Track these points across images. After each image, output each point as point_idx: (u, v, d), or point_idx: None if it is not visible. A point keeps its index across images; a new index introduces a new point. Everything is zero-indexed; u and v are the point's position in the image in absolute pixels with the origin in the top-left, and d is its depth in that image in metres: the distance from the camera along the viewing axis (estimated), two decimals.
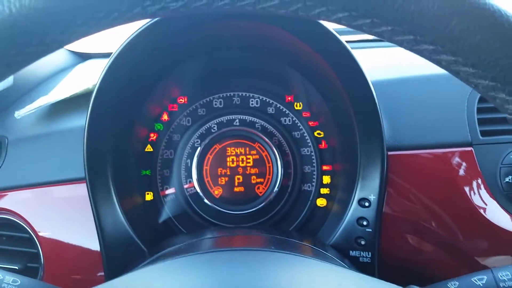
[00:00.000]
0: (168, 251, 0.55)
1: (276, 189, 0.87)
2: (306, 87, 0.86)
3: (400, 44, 0.36)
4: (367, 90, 0.71)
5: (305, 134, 0.90)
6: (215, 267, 0.37)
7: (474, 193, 0.75)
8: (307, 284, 0.35)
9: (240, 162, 0.88)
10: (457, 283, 0.52)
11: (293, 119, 0.90)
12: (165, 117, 0.89)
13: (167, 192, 0.88)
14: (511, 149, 0.76)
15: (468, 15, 0.32)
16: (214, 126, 0.89)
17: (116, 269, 0.70)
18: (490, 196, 0.75)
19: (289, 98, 0.90)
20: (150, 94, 0.82)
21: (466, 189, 0.75)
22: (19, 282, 0.51)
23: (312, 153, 0.90)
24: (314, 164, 0.89)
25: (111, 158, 0.73)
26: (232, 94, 0.90)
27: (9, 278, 0.51)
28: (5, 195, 0.80)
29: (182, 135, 0.89)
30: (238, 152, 0.88)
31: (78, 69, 1.15)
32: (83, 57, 1.24)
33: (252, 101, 0.90)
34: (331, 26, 0.69)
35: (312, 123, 0.90)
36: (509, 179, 0.75)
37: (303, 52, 0.74)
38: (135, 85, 0.75)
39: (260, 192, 0.88)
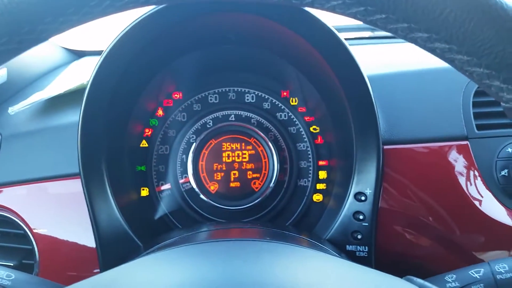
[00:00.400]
0: (163, 244, 0.55)
1: (272, 184, 0.87)
2: (301, 82, 0.86)
3: (394, 32, 0.36)
4: (363, 85, 0.71)
5: (301, 129, 0.90)
6: (210, 256, 0.37)
7: (470, 187, 0.75)
8: (304, 273, 0.35)
9: (236, 158, 0.88)
10: (454, 276, 0.52)
11: (289, 114, 0.90)
12: (160, 112, 0.88)
13: (163, 187, 0.88)
14: (507, 143, 0.76)
15: (462, 2, 0.31)
16: (210, 122, 0.89)
17: (111, 265, 0.69)
18: (486, 190, 0.75)
19: (285, 93, 0.90)
20: (145, 89, 0.82)
21: (462, 182, 0.75)
22: (13, 276, 0.51)
23: (308, 148, 0.89)
24: (310, 159, 0.89)
25: (105, 153, 0.73)
26: (227, 90, 0.90)
27: (3, 272, 0.51)
28: None
29: (178, 131, 0.89)
30: (234, 148, 0.88)
31: (73, 66, 1.15)
32: (78, 54, 1.24)
33: (247, 96, 0.90)
34: (328, 21, 0.68)
35: (308, 118, 0.89)
36: (505, 173, 0.75)
37: (299, 47, 0.74)
38: (129, 80, 0.75)
39: (256, 188, 0.88)
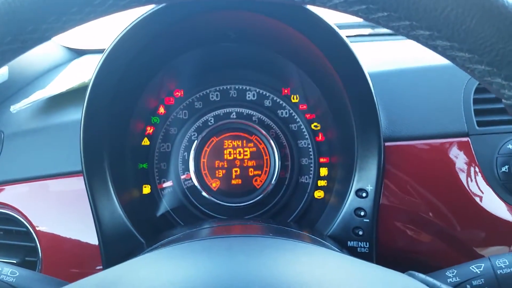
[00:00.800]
0: (166, 241, 0.55)
1: (273, 181, 0.87)
2: (302, 79, 0.86)
3: (396, 30, 0.36)
4: (364, 82, 0.71)
5: (302, 126, 0.90)
6: (213, 252, 0.37)
7: (471, 183, 0.75)
8: (307, 269, 0.35)
9: (238, 155, 0.88)
10: (455, 271, 0.53)
11: (290, 111, 0.90)
12: (161, 110, 0.89)
13: (165, 185, 0.88)
14: (508, 139, 0.76)
15: (464, 0, 0.32)
16: (211, 119, 0.89)
17: (114, 262, 0.69)
18: (487, 186, 0.75)
19: (286, 91, 0.90)
20: (146, 87, 0.82)
21: (463, 179, 0.75)
22: (18, 273, 0.52)
23: (309, 146, 0.90)
24: (311, 156, 0.89)
25: (108, 151, 0.73)
26: (228, 87, 0.90)
27: (7, 269, 0.51)
28: (2, 189, 0.80)
29: (179, 128, 0.89)
30: (235, 145, 0.88)
31: (73, 64, 1.15)
32: (79, 53, 1.24)
33: (248, 94, 0.90)
34: (329, 18, 0.68)
35: (309, 115, 0.90)
36: (506, 169, 0.75)
37: (300, 45, 0.74)
38: (130, 78, 0.75)
39: (258, 185, 0.88)
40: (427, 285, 0.38)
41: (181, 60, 0.83)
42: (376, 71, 0.83)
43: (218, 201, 0.86)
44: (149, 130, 0.88)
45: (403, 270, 0.45)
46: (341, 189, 0.77)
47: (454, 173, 0.75)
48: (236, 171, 0.88)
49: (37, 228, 0.78)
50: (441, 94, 0.80)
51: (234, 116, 0.89)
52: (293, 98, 0.90)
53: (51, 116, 0.87)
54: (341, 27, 0.69)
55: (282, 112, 0.90)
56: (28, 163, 0.81)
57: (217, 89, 0.90)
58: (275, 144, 0.88)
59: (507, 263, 0.51)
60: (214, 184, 0.88)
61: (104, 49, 0.69)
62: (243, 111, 0.89)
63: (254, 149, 0.88)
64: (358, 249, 0.71)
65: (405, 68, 0.85)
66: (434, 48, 0.36)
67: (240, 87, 0.90)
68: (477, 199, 0.74)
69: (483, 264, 0.52)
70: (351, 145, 0.74)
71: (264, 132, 0.88)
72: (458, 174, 0.75)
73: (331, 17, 0.66)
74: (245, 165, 0.88)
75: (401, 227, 0.76)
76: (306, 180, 0.89)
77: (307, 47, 0.73)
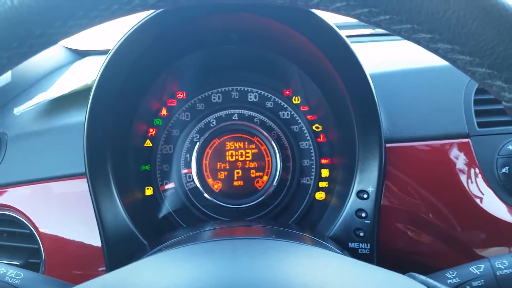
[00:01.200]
0: (169, 243, 0.55)
1: (275, 182, 0.88)
2: (304, 81, 0.87)
3: (398, 33, 0.37)
4: (365, 83, 0.71)
5: (304, 128, 0.90)
6: (217, 255, 0.37)
7: (471, 184, 0.75)
8: (309, 270, 0.35)
9: (239, 156, 0.88)
10: (455, 272, 0.53)
11: (292, 113, 0.91)
12: (164, 112, 0.89)
13: (167, 187, 0.88)
14: (508, 140, 0.77)
15: (464, 3, 0.32)
16: (213, 121, 0.89)
17: (117, 263, 0.70)
18: (487, 187, 0.76)
19: (287, 92, 0.91)
20: (149, 89, 0.83)
21: (464, 180, 0.75)
22: (22, 275, 0.52)
23: (310, 147, 0.90)
24: (312, 158, 0.90)
25: (111, 153, 0.73)
26: (230, 89, 0.91)
27: (12, 271, 0.52)
28: (5, 191, 0.80)
29: (181, 130, 0.89)
30: (237, 146, 0.89)
31: (76, 66, 1.15)
32: (81, 54, 1.24)
33: (250, 95, 0.91)
34: (330, 20, 0.69)
35: (310, 117, 0.90)
36: (506, 170, 0.76)
37: (302, 46, 0.75)
38: (133, 80, 0.76)
39: (260, 186, 0.88)
40: (428, 287, 0.38)
41: (183, 62, 0.84)
42: (377, 72, 0.84)
43: (220, 203, 0.87)
44: (152, 132, 0.88)
45: (403, 271, 0.45)
46: (342, 191, 0.78)
47: (455, 174, 0.75)
48: (238, 173, 0.88)
49: (40, 230, 0.78)
50: (442, 95, 0.80)
51: (236, 118, 0.90)
52: (295, 100, 0.91)
53: (54, 118, 0.88)
54: (342, 27, 0.70)
55: (283, 113, 0.91)
56: (32, 165, 0.81)
57: (219, 91, 0.90)
58: (276, 146, 0.88)
59: (507, 264, 0.51)
60: (216, 186, 0.88)
61: (106, 50, 0.70)
62: (245, 112, 0.90)
63: (256, 150, 0.89)
64: (359, 250, 0.71)
65: (406, 69, 0.85)
66: (435, 51, 0.36)
67: (242, 89, 0.91)
68: (478, 200, 0.75)
69: (483, 265, 0.52)
70: (352, 146, 0.75)
71: (265, 133, 0.88)
72: (458, 175, 0.75)
73: (332, 17, 0.67)
74: (246, 166, 0.88)
75: (402, 228, 0.76)
76: (308, 181, 0.90)
77: (308, 49, 0.74)
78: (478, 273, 0.52)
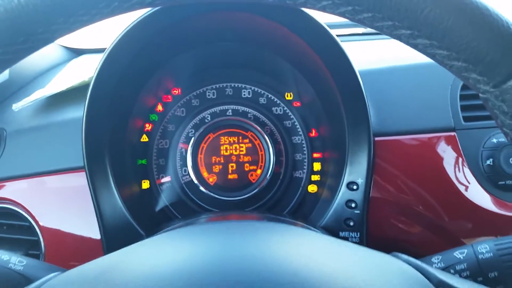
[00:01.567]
0: (164, 230, 0.58)
1: (268, 176, 0.90)
2: (296, 78, 0.89)
3: (380, 29, 0.39)
4: (355, 80, 0.74)
5: (296, 123, 0.93)
6: (209, 234, 0.40)
7: (457, 176, 0.78)
8: (296, 248, 0.38)
9: (234, 151, 0.91)
10: (440, 257, 0.56)
11: (284, 109, 0.93)
12: (159, 108, 0.91)
13: (163, 180, 0.91)
14: (492, 133, 0.80)
15: (441, 2, 0.35)
16: (208, 116, 0.92)
17: None
18: (473, 178, 0.79)
19: (280, 89, 0.93)
20: (145, 85, 0.85)
21: (450, 171, 0.78)
22: (25, 262, 0.54)
23: (303, 142, 0.93)
24: (305, 152, 0.92)
25: (108, 147, 0.75)
26: (224, 85, 0.93)
27: (15, 258, 0.54)
28: (5, 185, 0.82)
29: (177, 125, 0.92)
30: (232, 141, 0.91)
31: (72, 64, 1.17)
32: (77, 52, 1.26)
33: (244, 91, 0.93)
34: (321, 19, 0.71)
35: (302, 112, 0.93)
36: (490, 162, 0.79)
37: (294, 44, 0.77)
38: (130, 77, 0.77)
39: (253, 179, 0.91)
40: (410, 265, 0.41)
41: (179, 60, 0.86)
42: (367, 69, 0.86)
43: (215, 195, 0.89)
44: (148, 127, 0.91)
45: None
46: (333, 183, 0.80)
47: (441, 166, 0.78)
48: (232, 166, 0.91)
49: (39, 223, 0.80)
50: (429, 91, 0.83)
51: (230, 113, 0.92)
52: (287, 96, 0.93)
53: (52, 114, 0.89)
54: (335, 26, 0.72)
55: (276, 109, 0.93)
56: (30, 159, 0.83)
57: (214, 87, 0.93)
58: (270, 140, 0.91)
59: (488, 248, 0.54)
60: (211, 179, 0.90)
61: (101, 48, 0.72)
62: (239, 108, 0.92)
63: (250, 145, 0.91)
64: (350, 239, 0.74)
65: (395, 66, 0.88)
66: (415, 46, 0.39)
67: (236, 85, 0.93)
68: (463, 191, 0.78)
69: (466, 250, 0.55)
70: (343, 140, 0.77)
71: (259, 128, 0.91)
72: (445, 167, 0.78)
73: (325, 17, 0.69)
74: (241, 160, 0.91)
75: (390, 218, 0.79)
76: (300, 174, 0.92)
77: (301, 47, 0.76)
78: (462, 257, 0.54)
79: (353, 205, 0.74)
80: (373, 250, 0.41)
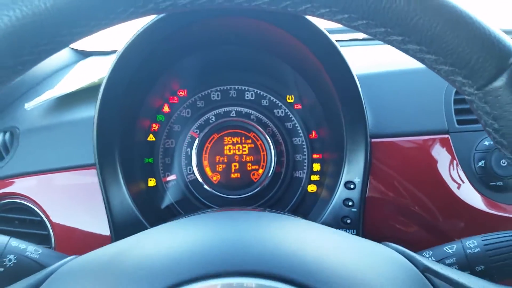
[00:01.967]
0: (172, 219, 0.61)
1: (269, 175, 0.94)
2: (298, 81, 0.93)
3: (374, 35, 0.42)
4: (353, 83, 0.77)
5: (297, 125, 0.96)
6: (214, 221, 0.43)
7: (451, 177, 0.81)
8: (295, 235, 0.41)
9: (237, 151, 0.94)
10: (431, 252, 0.59)
11: (286, 111, 0.97)
12: (166, 108, 0.95)
13: (169, 178, 0.94)
14: (484, 136, 0.83)
15: (429, 11, 0.38)
16: (212, 117, 0.95)
17: None
18: (465, 179, 0.82)
19: (282, 92, 0.97)
20: (153, 87, 0.88)
21: (443, 172, 0.81)
22: (40, 251, 0.58)
23: (303, 143, 0.96)
24: (305, 153, 0.96)
25: (118, 145, 0.79)
26: (228, 88, 0.97)
27: (31, 247, 0.57)
28: (18, 181, 0.85)
29: (182, 126, 0.95)
30: (235, 141, 0.94)
31: (79, 65, 1.21)
32: (84, 54, 1.29)
33: (247, 94, 0.97)
34: (321, 25, 0.75)
35: (303, 114, 0.96)
36: (482, 164, 0.82)
37: (296, 49, 0.81)
38: (139, 79, 0.81)
39: (255, 178, 0.94)
40: (399, 253, 0.44)
41: (185, 62, 0.90)
42: (365, 73, 0.89)
43: (218, 194, 0.93)
44: (155, 127, 0.94)
45: None
46: (332, 182, 0.83)
47: (435, 167, 0.81)
48: (235, 166, 0.94)
49: (50, 217, 0.83)
50: (424, 95, 0.86)
51: (234, 115, 0.96)
52: (289, 99, 0.97)
53: (63, 113, 0.93)
54: (336, 31, 0.75)
55: (278, 111, 0.97)
56: (42, 157, 0.86)
57: (218, 89, 0.96)
58: (271, 141, 0.94)
59: (476, 244, 0.57)
60: (215, 178, 0.94)
61: (108, 51, 0.75)
62: (242, 110, 0.96)
63: (252, 145, 0.95)
64: None
65: (392, 70, 0.91)
66: (406, 51, 0.43)
67: (240, 88, 0.97)
68: (456, 191, 0.81)
69: (455, 246, 0.58)
70: (341, 141, 0.81)
71: (261, 129, 0.94)
72: (438, 168, 0.81)
73: (325, 23, 0.73)
74: (243, 160, 0.94)
75: (385, 216, 0.82)
76: (300, 174, 0.96)
77: (302, 52, 0.80)
78: (451, 252, 0.58)
79: (350, 203, 0.77)
80: (364, 239, 0.44)
